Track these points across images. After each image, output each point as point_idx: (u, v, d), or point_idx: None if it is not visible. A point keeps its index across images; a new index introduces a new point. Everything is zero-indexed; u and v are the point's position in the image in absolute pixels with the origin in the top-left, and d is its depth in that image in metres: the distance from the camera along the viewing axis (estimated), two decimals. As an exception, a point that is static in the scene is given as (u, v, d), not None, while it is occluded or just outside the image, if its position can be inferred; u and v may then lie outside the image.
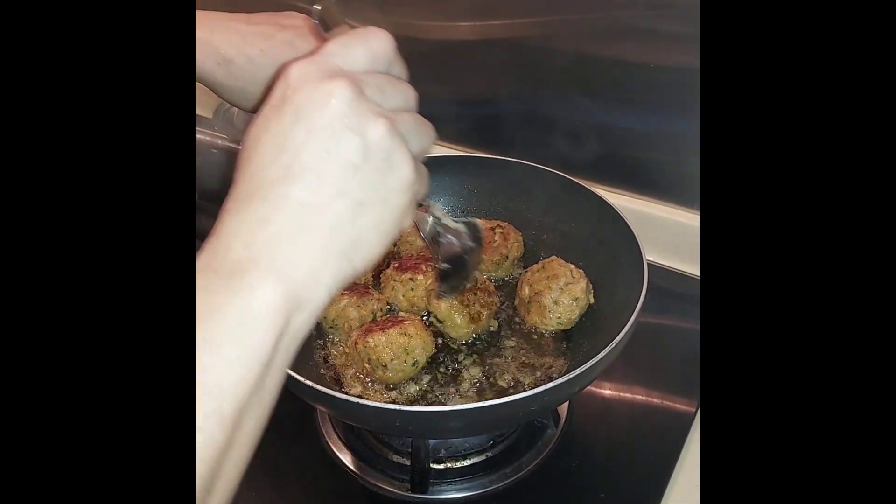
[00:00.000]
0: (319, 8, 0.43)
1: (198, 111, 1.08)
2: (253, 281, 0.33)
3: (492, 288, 0.78)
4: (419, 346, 0.69)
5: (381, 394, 0.70)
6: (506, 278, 0.84)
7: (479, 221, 0.65)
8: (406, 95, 0.41)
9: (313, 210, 0.35)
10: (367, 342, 0.68)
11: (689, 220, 0.92)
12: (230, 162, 1.01)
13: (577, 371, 0.55)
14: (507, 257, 0.82)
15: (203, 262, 0.34)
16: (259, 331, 0.33)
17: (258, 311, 0.33)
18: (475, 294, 0.75)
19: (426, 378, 0.71)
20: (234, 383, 0.32)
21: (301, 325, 0.35)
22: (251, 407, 0.33)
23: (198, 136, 1.02)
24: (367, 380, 0.71)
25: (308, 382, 0.55)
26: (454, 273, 0.60)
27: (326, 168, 0.35)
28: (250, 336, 0.33)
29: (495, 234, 0.82)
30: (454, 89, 1.05)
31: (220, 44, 0.62)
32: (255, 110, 0.67)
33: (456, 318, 0.74)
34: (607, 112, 0.93)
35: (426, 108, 1.06)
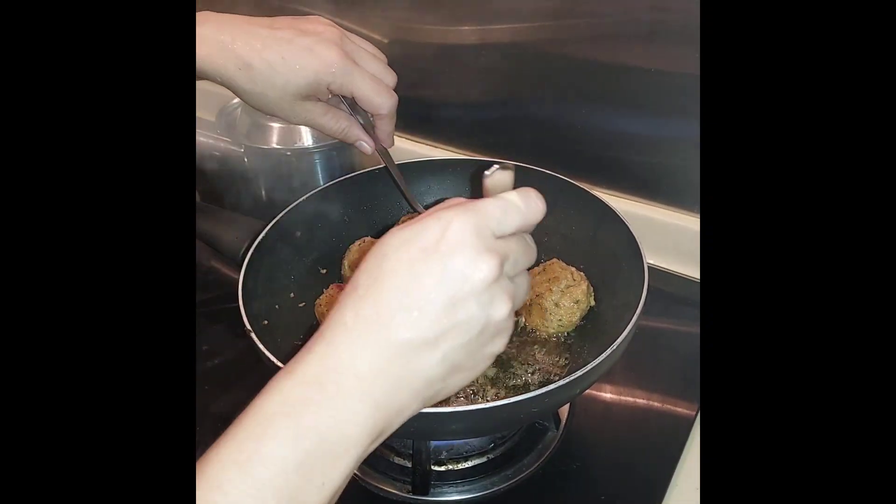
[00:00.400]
0: (497, 169, 0.44)
1: (201, 114, 1.09)
2: (357, 410, 0.37)
3: None
4: None
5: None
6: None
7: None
8: (531, 259, 0.44)
9: (420, 363, 0.38)
10: None
11: (689, 223, 0.92)
12: (232, 165, 1.02)
13: (577, 374, 0.55)
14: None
15: (311, 370, 0.38)
16: (350, 457, 0.37)
17: (355, 440, 0.37)
18: None
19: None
20: (343, 470, 0.36)
21: (369, 452, 0.39)
22: None
23: (200, 139, 1.03)
24: None
25: None
26: None
27: (446, 333, 0.38)
28: (342, 462, 0.36)
29: None
30: (455, 92, 1.05)
31: (241, 49, 0.63)
32: (273, 113, 0.68)
33: None
34: (608, 116, 0.94)
35: (428, 112, 1.06)
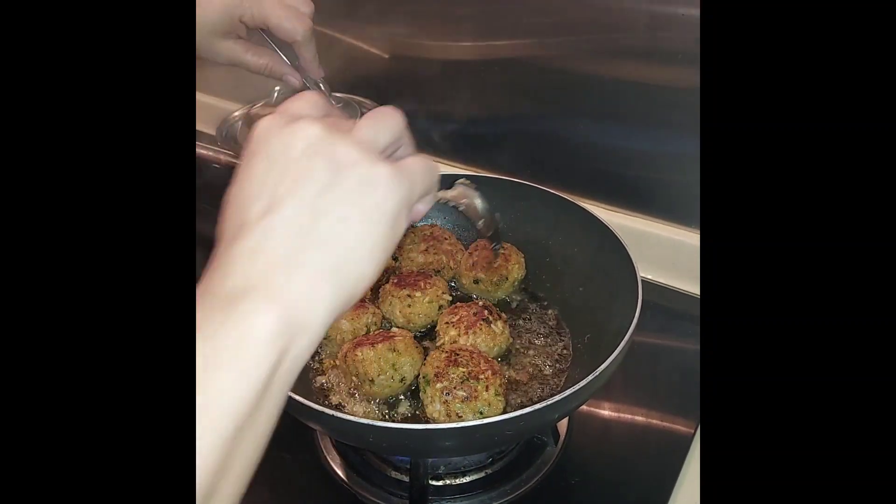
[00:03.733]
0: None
1: (201, 127, 1.09)
2: (250, 307, 0.34)
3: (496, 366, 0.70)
4: (408, 362, 0.69)
5: (380, 408, 0.71)
6: (506, 299, 0.84)
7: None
8: (393, 125, 0.42)
9: (298, 234, 0.36)
10: (356, 355, 0.68)
11: (688, 238, 0.92)
12: (232, 178, 1.02)
13: (566, 393, 0.55)
14: (507, 278, 0.82)
15: (201, 289, 0.35)
16: (258, 354, 0.33)
17: (257, 335, 0.33)
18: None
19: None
20: (232, 405, 0.32)
21: (301, 350, 0.35)
22: (248, 429, 0.33)
23: (201, 151, 1.03)
24: (356, 392, 0.72)
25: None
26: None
27: (301, 193, 0.36)
28: (249, 359, 0.33)
29: (497, 254, 0.82)
30: (455, 107, 1.05)
31: None
32: (199, 55, 0.68)
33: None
34: (607, 131, 0.94)
35: (428, 126, 1.07)
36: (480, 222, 0.59)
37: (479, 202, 0.58)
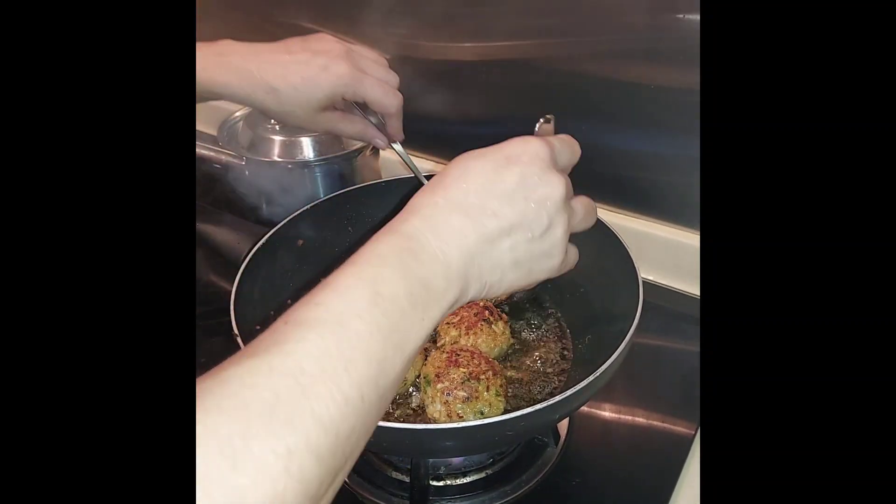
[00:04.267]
0: (544, 121, 0.56)
1: (203, 128, 1.09)
2: (454, 272, 0.44)
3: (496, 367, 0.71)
4: None
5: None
6: (502, 301, 0.84)
7: None
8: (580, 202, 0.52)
9: (491, 246, 0.45)
10: None
11: (689, 239, 0.92)
12: (233, 178, 1.02)
13: (567, 393, 0.54)
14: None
15: (410, 230, 0.44)
16: (434, 312, 0.42)
17: (440, 295, 0.43)
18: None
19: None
20: (438, 315, 0.43)
21: (457, 307, 0.45)
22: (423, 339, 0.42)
23: (202, 151, 1.03)
24: None
25: None
26: None
27: (517, 226, 0.46)
28: (430, 314, 0.42)
29: None
30: (456, 109, 1.06)
31: (267, 76, 0.71)
32: (299, 125, 0.77)
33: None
34: (608, 132, 0.94)
35: (429, 127, 1.07)
36: None
37: None
